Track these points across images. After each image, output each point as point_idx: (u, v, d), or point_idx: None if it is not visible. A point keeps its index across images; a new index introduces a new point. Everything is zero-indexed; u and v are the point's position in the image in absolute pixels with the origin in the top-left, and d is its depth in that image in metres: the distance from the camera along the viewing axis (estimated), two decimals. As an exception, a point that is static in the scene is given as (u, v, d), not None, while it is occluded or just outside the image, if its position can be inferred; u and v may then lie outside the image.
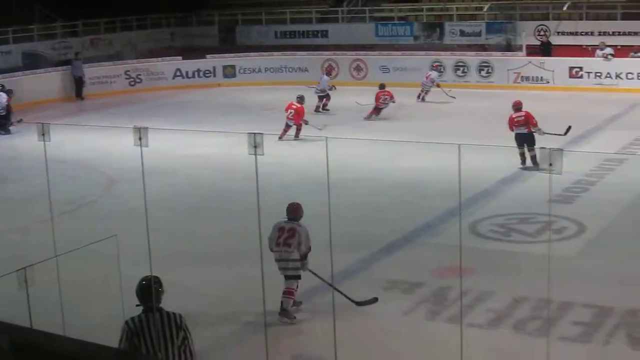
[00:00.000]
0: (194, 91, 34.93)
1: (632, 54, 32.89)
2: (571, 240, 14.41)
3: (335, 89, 29.98)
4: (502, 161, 19.43)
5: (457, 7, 39.03)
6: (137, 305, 7.63)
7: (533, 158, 18.70)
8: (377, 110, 27.36)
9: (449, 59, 35.04)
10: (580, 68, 32.31)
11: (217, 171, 20.29)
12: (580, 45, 34.66)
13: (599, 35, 34.40)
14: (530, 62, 33.44)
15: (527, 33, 35.35)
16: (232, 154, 18.93)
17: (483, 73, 34.19)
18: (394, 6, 40.72)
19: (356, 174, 18.81)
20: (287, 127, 23.91)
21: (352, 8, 41.53)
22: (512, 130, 19.47)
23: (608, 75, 31.94)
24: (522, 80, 33.19)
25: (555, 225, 14.98)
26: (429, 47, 37.16)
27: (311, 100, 27.35)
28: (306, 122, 23.94)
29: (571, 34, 35.56)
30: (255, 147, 8.54)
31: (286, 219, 11.63)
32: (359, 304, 11.45)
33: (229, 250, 14.18)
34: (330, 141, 10.13)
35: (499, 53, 35.05)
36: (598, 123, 24.93)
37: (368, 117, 26.94)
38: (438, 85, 31.07)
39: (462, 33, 37.25)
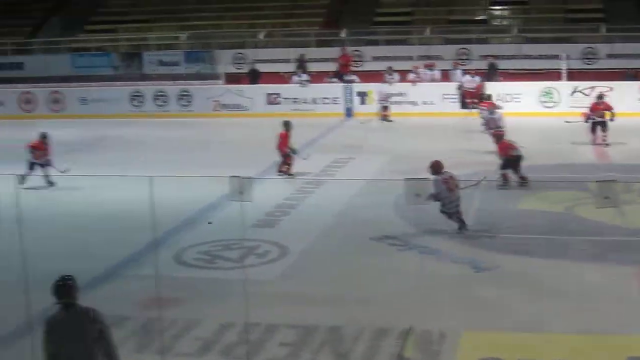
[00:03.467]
0: None
1: (327, 79, 34.14)
2: (274, 264, 14.65)
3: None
4: (201, 190, 19.44)
5: (155, 37, 38.99)
6: (55, 304, 8.03)
7: None
8: None
9: (148, 89, 34.92)
10: (278, 94, 33.12)
11: None
12: (278, 72, 35.59)
13: (295, 62, 35.48)
14: (228, 90, 33.93)
15: (225, 62, 35.88)
16: None
17: (183, 102, 34.30)
18: (90, 36, 40.25)
19: (54, 209, 18.30)
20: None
21: (47, 39, 40.56)
22: None
23: (305, 101, 32.98)
24: (222, 108, 33.59)
25: (258, 249, 15.21)
26: (127, 78, 36.89)
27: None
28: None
29: (268, 61, 36.45)
30: None
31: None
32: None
33: None
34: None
35: (197, 82, 35.33)
36: (297, 147, 25.59)
37: None
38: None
39: (161, 63, 37.31)
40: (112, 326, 11.91)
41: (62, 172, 19.85)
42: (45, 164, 20.71)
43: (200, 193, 19.11)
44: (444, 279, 13.57)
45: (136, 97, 34.83)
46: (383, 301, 12.67)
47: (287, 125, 21.78)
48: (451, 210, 15.96)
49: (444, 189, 15.84)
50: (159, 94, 34.72)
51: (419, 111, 31.79)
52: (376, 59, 35.52)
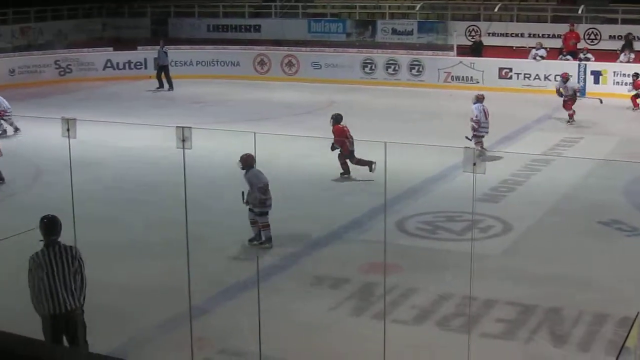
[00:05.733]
0: (124, 83, 34.52)
1: (561, 56, 33.34)
2: (496, 239, 14.56)
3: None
4: (428, 160, 19.50)
5: (389, 6, 39.22)
6: (40, 241, 8.77)
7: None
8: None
9: (380, 56, 35.18)
10: (510, 69, 32.65)
11: (146, 164, 20.05)
12: (511, 47, 35.08)
13: (529, 37, 34.85)
14: (461, 62, 33.68)
15: (458, 33, 35.62)
16: (161, 147, 18.60)
17: (414, 72, 34.37)
18: (326, 2, 40.81)
19: (284, 169, 18.73)
20: None
21: (285, 3, 41.51)
22: None
23: (537, 77, 32.33)
24: (453, 80, 33.45)
25: (481, 223, 15.13)
26: (360, 45, 37.27)
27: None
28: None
29: (502, 35, 35.96)
30: (183, 140, 8.55)
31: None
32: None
33: (155, 242, 14.09)
34: (258, 136, 10.12)
35: (430, 52, 35.26)
36: (525, 124, 25.21)
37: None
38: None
39: (394, 31, 37.41)
40: (330, 288, 12.30)
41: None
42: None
43: (427, 163, 19.19)
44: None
45: (368, 64, 35.16)
46: (605, 286, 12.38)
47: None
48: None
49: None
50: (391, 62, 34.90)
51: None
52: (612, 37, 34.37)
